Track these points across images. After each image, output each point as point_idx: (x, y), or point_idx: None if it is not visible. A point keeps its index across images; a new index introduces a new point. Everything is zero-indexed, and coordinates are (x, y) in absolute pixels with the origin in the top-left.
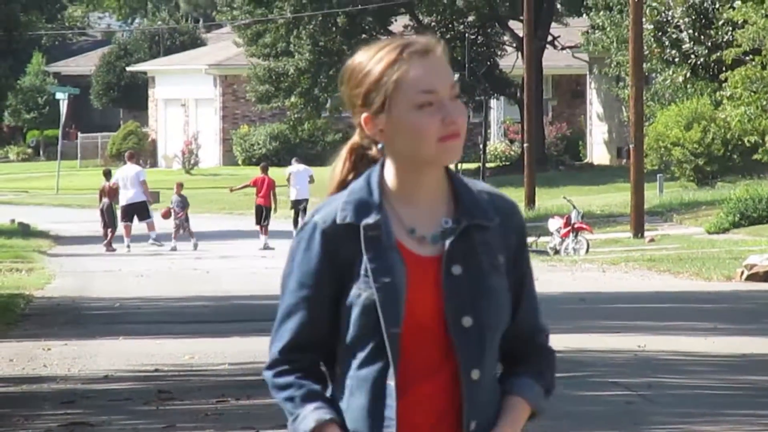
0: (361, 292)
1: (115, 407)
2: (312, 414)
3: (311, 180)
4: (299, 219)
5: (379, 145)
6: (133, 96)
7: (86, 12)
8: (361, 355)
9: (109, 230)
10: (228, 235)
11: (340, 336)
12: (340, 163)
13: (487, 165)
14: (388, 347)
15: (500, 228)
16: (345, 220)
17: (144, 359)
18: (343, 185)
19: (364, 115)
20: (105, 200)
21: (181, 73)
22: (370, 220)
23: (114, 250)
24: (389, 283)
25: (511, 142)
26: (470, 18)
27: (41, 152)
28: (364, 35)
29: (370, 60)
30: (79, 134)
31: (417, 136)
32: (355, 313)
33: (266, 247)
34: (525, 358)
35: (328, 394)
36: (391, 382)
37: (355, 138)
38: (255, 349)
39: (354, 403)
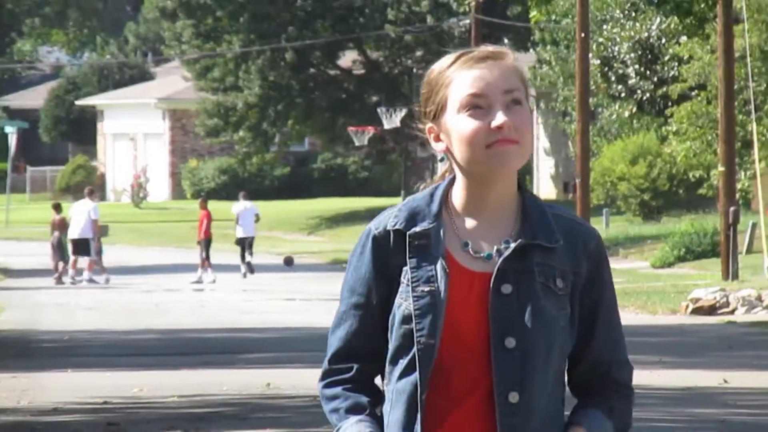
0: (402, 302)
1: None
2: (352, 427)
3: (257, 218)
4: (245, 255)
5: (440, 156)
6: (81, 130)
7: (35, 46)
8: (400, 367)
9: (60, 263)
10: (177, 268)
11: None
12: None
13: None
14: (418, 358)
15: (568, 252)
16: (395, 226)
17: (93, 391)
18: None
19: (428, 125)
20: (56, 233)
21: (129, 107)
22: (420, 228)
23: (63, 283)
24: (429, 293)
25: None
26: (418, 53)
27: None
28: (312, 69)
29: (433, 71)
30: (28, 168)
31: (464, 141)
32: (396, 323)
33: (199, 281)
34: (598, 392)
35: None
36: (424, 396)
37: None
38: (204, 382)
39: (393, 416)
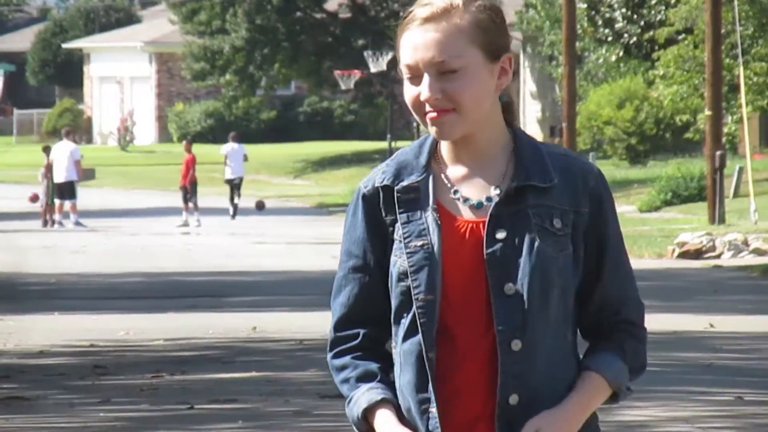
0: (396, 260)
1: (51, 382)
2: (364, 396)
3: (245, 158)
4: (234, 196)
5: None
6: (68, 73)
7: None
8: (403, 328)
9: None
10: (164, 211)
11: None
12: None
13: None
14: (419, 316)
15: (567, 190)
16: (383, 182)
17: (80, 335)
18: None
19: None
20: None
21: (116, 51)
22: (408, 182)
23: (52, 225)
24: (422, 247)
25: None
26: None
27: None
28: (299, 13)
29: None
30: (15, 110)
31: (410, 108)
32: (393, 281)
33: (185, 224)
34: (609, 334)
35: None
36: (431, 355)
37: None
38: (190, 325)
39: (403, 379)
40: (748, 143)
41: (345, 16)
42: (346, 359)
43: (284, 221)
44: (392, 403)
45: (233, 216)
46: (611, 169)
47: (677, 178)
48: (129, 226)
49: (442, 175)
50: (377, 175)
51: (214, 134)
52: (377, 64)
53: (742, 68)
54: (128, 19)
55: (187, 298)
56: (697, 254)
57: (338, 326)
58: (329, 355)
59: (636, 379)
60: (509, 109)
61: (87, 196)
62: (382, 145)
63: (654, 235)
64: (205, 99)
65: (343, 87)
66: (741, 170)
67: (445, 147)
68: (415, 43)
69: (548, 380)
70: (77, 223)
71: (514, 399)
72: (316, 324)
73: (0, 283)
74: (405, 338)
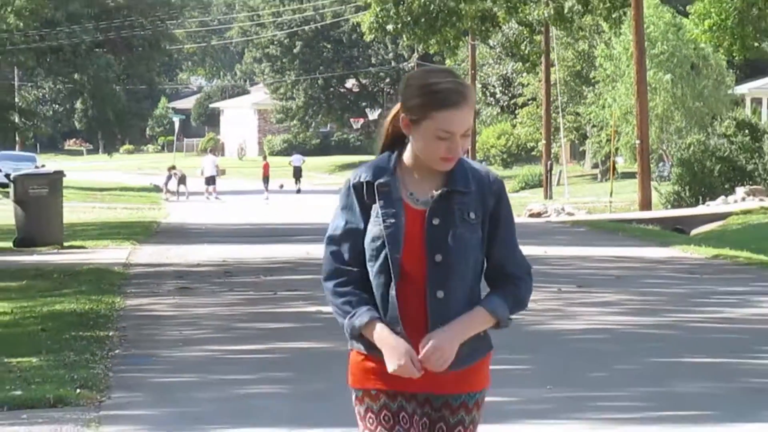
0: (372, 228)
1: (203, 279)
2: (366, 313)
3: (303, 162)
4: (298, 181)
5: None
6: (212, 119)
7: (189, 75)
8: (372, 273)
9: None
10: (259, 191)
11: None
12: (382, 133)
13: None
14: (391, 267)
15: (479, 194)
16: (366, 179)
17: (217, 256)
18: (382, 151)
19: (403, 116)
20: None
21: (237, 108)
22: (383, 180)
23: (208, 198)
24: (394, 223)
25: None
26: (387, 80)
27: (165, 148)
28: (332, 89)
29: (423, 86)
30: (184, 139)
31: (428, 150)
32: (368, 241)
33: (267, 198)
34: (499, 284)
35: None
36: (392, 292)
37: (392, 115)
38: (273, 250)
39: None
40: (564, 157)
41: (356, 90)
42: (348, 288)
43: (322, 197)
44: (384, 321)
45: (298, 191)
46: (494, 170)
47: (528, 175)
48: (241, 199)
49: (404, 179)
50: (362, 173)
51: (287, 152)
52: (372, 115)
53: (561, 118)
54: (243, 91)
55: (272, 236)
56: (539, 215)
57: (338, 268)
58: (330, 284)
59: (516, 313)
60: None
61: (221, 184)
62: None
63: (515, 205)
64: (282, 133)
65: (354, 127)
66: (561, 171)
67: (408, 159)
68: (453, 117)
69: (458, 315)
70: (216, 198)
71: (437, 326)
72: None
73: (176, 227)
74: (374, 279)
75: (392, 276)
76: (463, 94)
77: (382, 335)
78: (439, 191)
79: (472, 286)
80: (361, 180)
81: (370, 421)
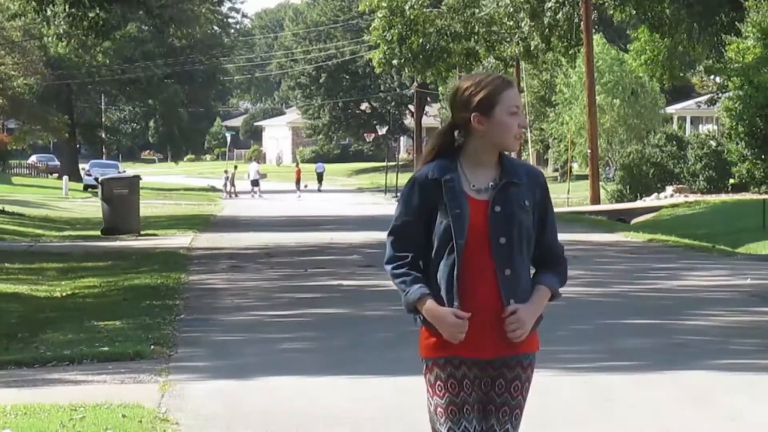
0: (443, 219)
1: (249, 259)
2: (418, 290)
3: (324, 169)
4: (320, 184)
5: (458, 134)
6: (256, 135)
7: (238, 100)
8: (441, 258)
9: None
10: (293, 191)
11: (431, 247)
12: (432, 142)
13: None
14: (456, 251)
15: (528, 185)
16: (434, 176)
17: (260, 241)
18: (429, 157)
19: (474, 114)
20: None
21: (275, 126)
22: (449, 176)
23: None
24: (459, 213)
25: None
26: (392, 103)
27: (219, 157)
28: (350, 111)
29: (478, 85)
30: (234, 150)
31: (505, 133)
32: (439, 231)
33: (299, 197)
34: (547, 263)
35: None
36: (455, 273)
37: (445, 128)
38: (304, 236)
39: (442, 285)
40: (532, 163)
41: (369, 111)
42: (404, 270)
43: (342, 195)
44: (434, 297)
45: (318, 189)
46: None
47: None
48: (280, 197)
49: (465, 174)
50: (428, 172)
51: (314, 160)
52: (381, 131)
53: (529, 133)
54: (280, 112)
55: (303, 225)
56: None
57: (399, 254)
58: (390, 267)
59: (562, 287)
60: None
61: (264, 185)
62: (383, 164)
63: None
64: (311, 145)
65: (367, 140)
66: None
67: (468, 157)
68: (516, 94)
69: (524, 291)
70: (260, 196)
71: (511, 302)
72: (359, 237)
73: (228, 219)
74: (445, 262)
75: (456, 260)
76: (507, 77)
77: (429, 308)
78: (500, 182)
79: (529, 265)
80: (429, 177)
81: (439, 388)
